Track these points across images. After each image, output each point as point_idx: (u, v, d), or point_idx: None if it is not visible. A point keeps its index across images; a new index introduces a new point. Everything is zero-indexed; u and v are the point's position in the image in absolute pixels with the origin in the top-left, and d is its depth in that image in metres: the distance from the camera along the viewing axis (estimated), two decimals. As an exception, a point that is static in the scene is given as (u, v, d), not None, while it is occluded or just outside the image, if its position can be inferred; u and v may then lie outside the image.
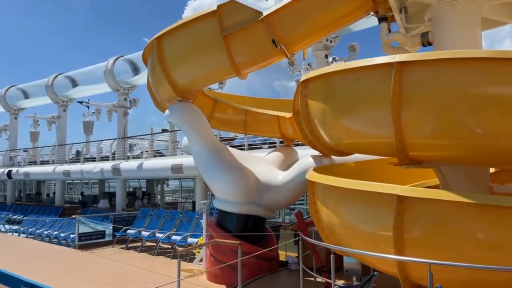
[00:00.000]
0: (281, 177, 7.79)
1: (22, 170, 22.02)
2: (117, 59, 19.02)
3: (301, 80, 6.13)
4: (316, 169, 6.17)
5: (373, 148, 5.47)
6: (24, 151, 26.07)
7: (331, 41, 12.78)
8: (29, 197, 27.09)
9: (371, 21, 9.64)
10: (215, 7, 6.68)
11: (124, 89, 19.51)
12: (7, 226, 17.49)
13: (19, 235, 15.47)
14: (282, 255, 8.66)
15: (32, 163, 24.12)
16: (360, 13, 6.42)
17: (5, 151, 26.42)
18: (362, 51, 12.58)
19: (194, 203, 18.45)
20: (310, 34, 6.67)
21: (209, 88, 12.44)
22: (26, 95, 25.03)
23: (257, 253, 6.96)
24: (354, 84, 5.14)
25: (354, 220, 5.22)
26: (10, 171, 22.59)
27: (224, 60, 6.76)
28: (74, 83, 21.77)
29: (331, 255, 5.32)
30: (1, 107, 26.66)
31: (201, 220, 9.91)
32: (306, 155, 7.62)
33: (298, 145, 10.83)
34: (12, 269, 8.91)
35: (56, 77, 22.44)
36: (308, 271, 6.22)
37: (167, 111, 8.07)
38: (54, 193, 26.12)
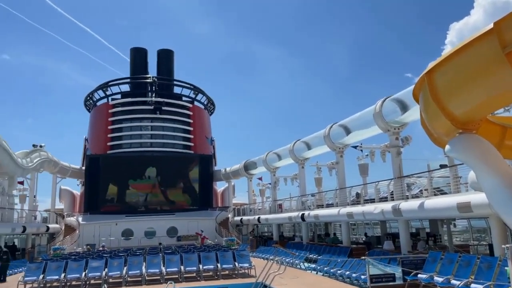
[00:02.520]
0: None
1: (312, 213, 24.85)
2: (384, 100, 19.43)
3: None
4: None
5: None
6: (312, 195, 29.52)
7: None
8: (319, 237, 30.10)
9: None
10: (491, 25, 5.94)
11: (395, 129, 19.56)
12: (306, 264, 19.83)
13: (316, 273, 17.23)
14: None
15: (319, 206, 26.92)
16: None
17: (298, 196, 30.65)
18: None
19: (490, 246, 16.02)
20: None
21: (492, 114, 10.91)
22: (309, 147, 28.66)
23: None
24: None
25: None
26: (303, 214, 25.91)
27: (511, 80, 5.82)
28: (347, 130, 23.41)
29: None
30: (290, 159, 31.47)
31: (505, 268, 8.44)
32: None
33: None
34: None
35: (331, 127, 24.83)
36: None
37: (447, 147, 7.49)
38: (333, 233, 28.17)
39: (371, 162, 25.07)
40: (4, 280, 17.52)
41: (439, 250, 14.76)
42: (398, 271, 12.29)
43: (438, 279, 10.54)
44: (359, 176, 27.73)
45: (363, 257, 13.03)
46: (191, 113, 48.26)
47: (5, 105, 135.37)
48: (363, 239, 26.41)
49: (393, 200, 18.12)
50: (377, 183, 20.80)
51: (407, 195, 17.73)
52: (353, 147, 25.53)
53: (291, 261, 20.43)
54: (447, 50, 6.88)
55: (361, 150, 26.32)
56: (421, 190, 17.35)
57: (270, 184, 37.71)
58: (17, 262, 23.32)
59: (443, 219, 20.34)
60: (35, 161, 33.54)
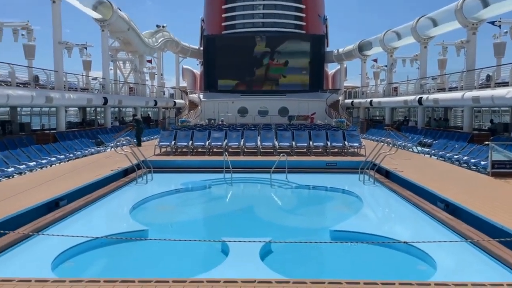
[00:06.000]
0: None
1: (431, 97, 23.23)
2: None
3: None
4: None
5: None
6: (433, 78, 27.26)
7: None
8: (436, 123, 28.56)
9: None
10: None
11: (550, -3, 16.17)
12: (419, 148, 19.35)
13: (430, 157, 16.79)
14: None
15: (441, 90, 24.93)
16: None
17: (416, 79, 28.61)
18: None
19: None
20: None
21: None
22: (435, 23, 25.53)
23: None
24: None
25: None
26: (420, 97, 24.40)
27: None
28: (485, 2, 20.03)
29: None
30: (411, 38, 28.65)
31: None
32: None
33: None
34: (429, 186, 9.84)
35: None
36: None
37: None
38: (443, 119, 26.26)
39: (510, 41, 21.66)
40: (139, 145, 19.57)
41: None
42: (526, 159, 11.30)
43: None
44: (490, 58, 24.46)
45: (486, 142, 12.14)
46: (303, -12, 45.55)
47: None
48: (487, 126, 24.31)
49: (532, 84, 15.90)
50: (514, 64, 18.20)
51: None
52: (489, 22, 22.11)
53: (404, 144, 20.07)
54: None
55: (499, 26, 22.75)
56: None
57: (385, 66, 35.53)
58: (152, 130, 27.01)
59: None
60: (159, 40, 36.16)
